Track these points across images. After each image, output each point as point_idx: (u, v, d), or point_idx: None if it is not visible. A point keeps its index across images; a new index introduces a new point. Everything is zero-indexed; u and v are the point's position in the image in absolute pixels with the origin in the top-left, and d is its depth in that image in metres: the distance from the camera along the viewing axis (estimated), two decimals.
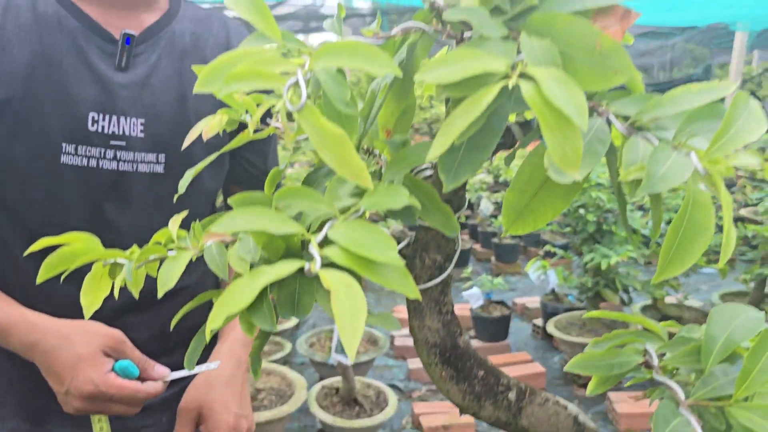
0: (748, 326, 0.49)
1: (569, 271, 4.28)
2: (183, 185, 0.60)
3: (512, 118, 0.57)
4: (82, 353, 0.93)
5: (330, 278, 0.38)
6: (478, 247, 6.82)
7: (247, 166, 1.24)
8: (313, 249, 0.41)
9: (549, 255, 5.21)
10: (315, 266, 0.39)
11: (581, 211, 3.74)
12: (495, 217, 6.54)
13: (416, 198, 0.50)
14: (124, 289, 0.56)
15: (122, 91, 1.04)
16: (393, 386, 3.86)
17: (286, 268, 0.40)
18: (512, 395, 0.61)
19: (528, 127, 0.57)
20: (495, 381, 0.61)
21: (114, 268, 0.57)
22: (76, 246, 0.57)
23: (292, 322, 4.31)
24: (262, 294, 0.53)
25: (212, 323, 0.40)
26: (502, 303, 4.48)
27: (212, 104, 1.03)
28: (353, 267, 0.39)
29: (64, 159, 1.01)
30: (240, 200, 0.51)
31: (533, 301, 5.10)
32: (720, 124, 0.44)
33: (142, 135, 1.05)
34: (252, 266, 0.56)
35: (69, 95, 1.00)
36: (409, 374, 4.07)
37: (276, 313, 0.51)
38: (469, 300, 4.35)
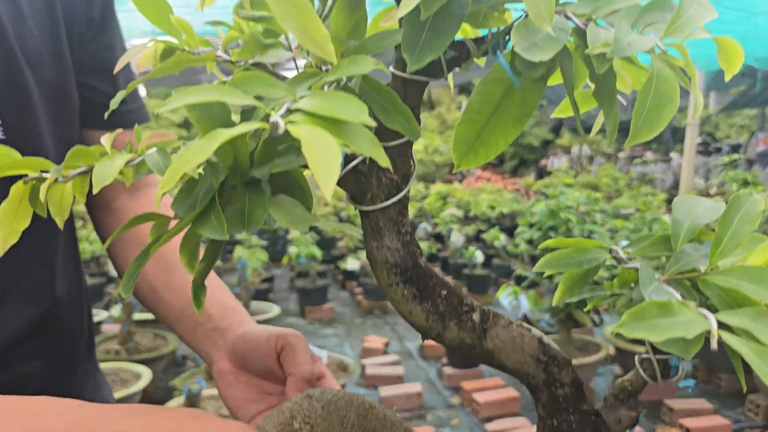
0: (711, 211, 0.50)
1: (540, 296, 4.29)
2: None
3: (469, 34, 0.58)
4: None
5: (300, 130, 0.37)
6: (449, 278, 6.81)
7: (100, 99, 0.99)
8: (276, 117, 0.39)
9: (520, 280, 5.23)
10: (280, 123, 0.38)
11: (551, 233, 3.77)
12: (466, 248, 6.56)
13: (377, 101, 0.51)
14: None
15: None
16: None
17: (246, 126, 0.39)
18: (476, 316, 0.61)
19: (481, 42, 0.57)
20: (458, 301, 0.60)
21: (35, 189, 0.52)
22: None
23: None
24: (209, 205, 0.52)
25: (165, 185, 0.39)
26: None
27: (53, 68, 0.91)
28: (321, 127, 0.38)
29: None
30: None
31: None
32: (671, 15, 0.47)
33: None
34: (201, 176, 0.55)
35: None
36: (381, 401, 4.01)
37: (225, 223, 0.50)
38: None
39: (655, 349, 0.61)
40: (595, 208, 4.64)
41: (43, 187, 0.50)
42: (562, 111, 0.62)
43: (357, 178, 0.59)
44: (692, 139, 6.07)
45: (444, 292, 0.60)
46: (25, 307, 0.90)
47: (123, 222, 0.93)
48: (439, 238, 8.04)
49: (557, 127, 16.80)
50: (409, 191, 0.60)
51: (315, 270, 6.08)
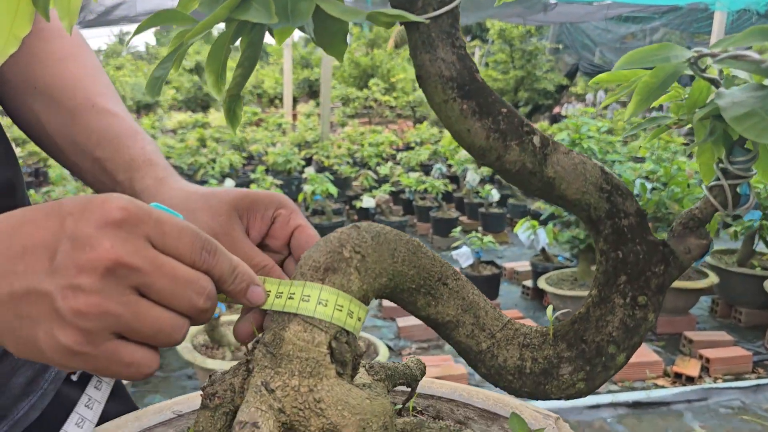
0: None
1: (558, 230, 4.25)
2: None
3: None
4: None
5: None
6: (465, 219, 6.78)
7: None
8: None
9: (537, 216, 5.19)
10: None
11: None
12: (482, 187, 6.50)
13: None
14: None
15: None
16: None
17: None
18: (537, 140, 0.57)
19: None
20: (519, 121, 0.56)
21: None
22: None
23: None
24: None
25: None
26: (491, 263, 4.45)
27: None
28: None
29: None
30: None
31: (522, 266, 5.08)
32: None
33: None
34: None
35: None
36: (399, 332, 4.02)
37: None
38: (458, 259, 4.31)
39: (726, 175, 0.57)
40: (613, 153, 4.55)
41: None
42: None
43: None
44: None
45: (504, 110, 0.55)
46: None
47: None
48: (454, 179, 7.98)
49: (572, 73, 16.51)
50: (460, 4, 0.55)
51: (330, 208, 6.07)
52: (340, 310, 0.54)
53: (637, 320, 0.58)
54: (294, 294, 0.55)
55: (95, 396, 0.56)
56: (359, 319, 0.56)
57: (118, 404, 0.93)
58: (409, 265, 0.59)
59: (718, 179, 0.58)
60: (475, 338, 0.62)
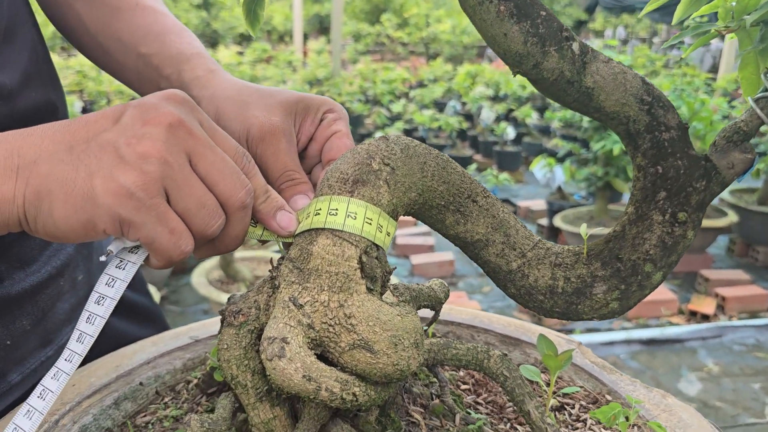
0: None
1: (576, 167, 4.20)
2: None
3: None
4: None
5: None
6: (479, 157, 6.72)
7: None
8: None
9: (553, 154, 5.14)
10: None
11: None
12: (497, 125, 6.43)
13: None
14: None
15: None
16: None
17: None
18: (576, 47, 0.53)
19: None
20: (558, 25, 0.53)
21: None
22: None
23: None
24: None
25: None
26: (506, 201, 4.43)
27: None
28: None
29: None
30: None
31: (537, 204, 5.05)
32: None
33: None
34: None
35: None
36: (413, 270, 4.04)
37: None
38: None
39: None
40: None
41: None
42: None
43: None
44: None
45: (543, 13, 0.52)
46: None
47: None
48: (468, 117, 7.88)
49: (592, 7, 16.08)
50: None
51: None
52: (370, 224, 0.52)
53: (675, 238, 0.56)
54: (320, 210, 0.53)
55: (118, 275, 0.54)
56: (388, 234, 0.54)
57: (153, 330, 0.93)
58: (438, 180, 0.57)
59: (765, 90, 0.55)
60: (505, 257, 0.60)
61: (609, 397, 0.71)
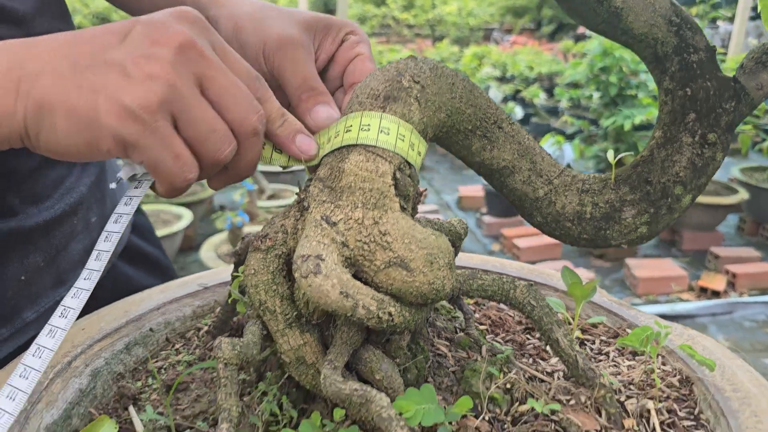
0: None
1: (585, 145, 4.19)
2: None
3: None
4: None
5: None
6: None
7: None
8: None
9: (561, 133, 5.12)
10: None
11: (602, 76, 3.62)
12: (504, 104, 6.39)
13: None
14: None
15: None
16: None
17: None
18: None
19: None
20: None
21: None
22: None
23: None
24: None
25: None
26: None
27: None
28: None
29: None
30: None
31: None
32: None
33: None
34: None
35: None
36: None
37: None
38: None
39: None
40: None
41: None
42: None
43: None
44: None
45: None
46: None
47: None
48: None
49: None
50: None
51: None
52: (402, 140, 0.52)
53: (705, 159, 0.56)
54: (351, 126, 0.52)
55: (120, 210, 0.54)
56: (419, 153, 0.54)
57: (163, 281, 0.93)
58: (466, 103, 0.57)
59: None
60: (532, 185, 0.60)
61: (630, 331, 0.71)
